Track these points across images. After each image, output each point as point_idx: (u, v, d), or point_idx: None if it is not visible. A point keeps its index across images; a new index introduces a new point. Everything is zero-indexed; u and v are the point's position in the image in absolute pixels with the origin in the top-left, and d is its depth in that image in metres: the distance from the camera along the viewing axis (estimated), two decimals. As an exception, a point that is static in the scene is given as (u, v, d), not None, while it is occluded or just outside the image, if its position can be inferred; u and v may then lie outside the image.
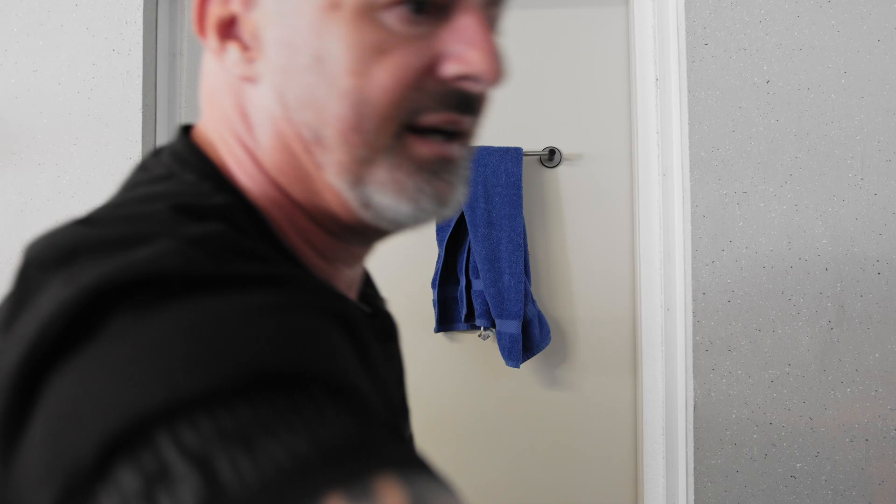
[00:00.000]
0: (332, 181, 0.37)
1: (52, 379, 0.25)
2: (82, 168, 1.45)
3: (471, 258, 1.51)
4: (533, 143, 1.59)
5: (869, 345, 1.29)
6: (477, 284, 1.51)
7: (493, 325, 1.50)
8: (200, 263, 0.28)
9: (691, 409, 1.32)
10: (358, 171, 0.37)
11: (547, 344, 1.51)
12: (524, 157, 1.54)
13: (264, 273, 0.30)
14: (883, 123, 1.29)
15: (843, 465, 1.29)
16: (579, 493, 1.58)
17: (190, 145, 0.40)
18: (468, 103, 0.38)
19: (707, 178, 1.33)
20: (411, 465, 0.24)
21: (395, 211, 0.37)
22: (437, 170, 0.38)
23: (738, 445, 1.31)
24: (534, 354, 1.50)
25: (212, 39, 0.38)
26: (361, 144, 0.36)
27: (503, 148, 1.52)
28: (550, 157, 1.58)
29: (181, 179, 0.37)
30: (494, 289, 1.47)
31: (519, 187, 1.50)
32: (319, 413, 0.24)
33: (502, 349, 1.48)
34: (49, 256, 0.29)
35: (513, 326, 1.46)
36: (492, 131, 1.60)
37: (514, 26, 1.62)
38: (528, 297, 1.48)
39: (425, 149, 0.38)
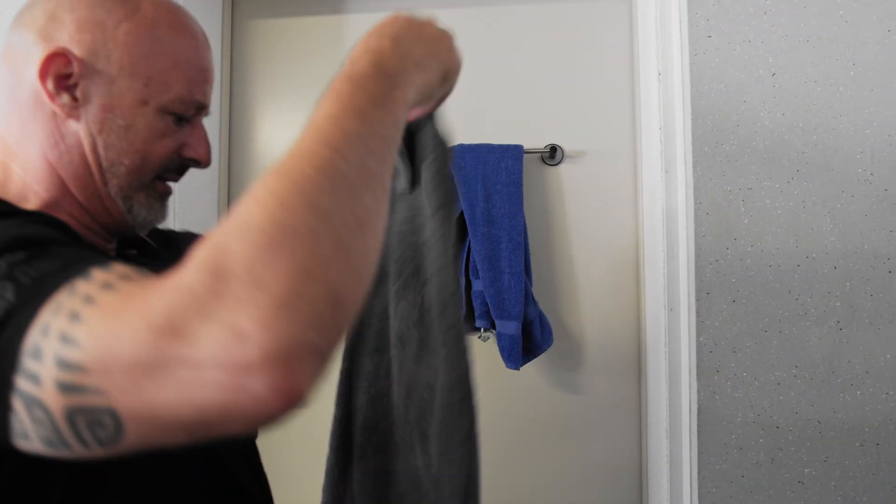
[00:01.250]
0: (113, 193, 0.65)
1: None
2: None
3: (471, 258, 1.49)
4: (534, 141, 1.56)
5: (879, 346, 1.25)
6: (477, 285, 1.48)
7: (494, 327, 1.47)
8: None
9: (695, 412, 1.28)
10: (129, 193, 0.66)
11: (549, 346, 1.47)
12: (525, 155, 1.51)
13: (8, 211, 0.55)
14: (893, 117, 1.25)
15: (853, 471, 1.25)
16: (582, 500, 1.54)
17: None
18: (185, 170, 0.71)
19: (711, 174, 1.29)
20: (108, 261, 0.43)
21: (144, 217, 0.68)
22: (164, 199, 0.71)
23: (743, 450, 1.27)
24: (535, 357, 1.47)
25: (50, 85, 0.59)
26: (136, 180, 0.65)
27: (503, 145, 1.49)
28: (552, 154, 1.55)
29: None
30: (494, 289, 1.44)
31: (519, 185, 1.47)
32: (50, 253, 0.45)
33: (502, 351, 1.45)
34: None
35: (513, 328, 1.43)
36: (492, 128, 1.57)
37: (514, 21, 1.59)
38: (528, 298, 1.45)
39: (162, 189, 0.70)
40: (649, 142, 1.42)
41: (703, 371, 1.28)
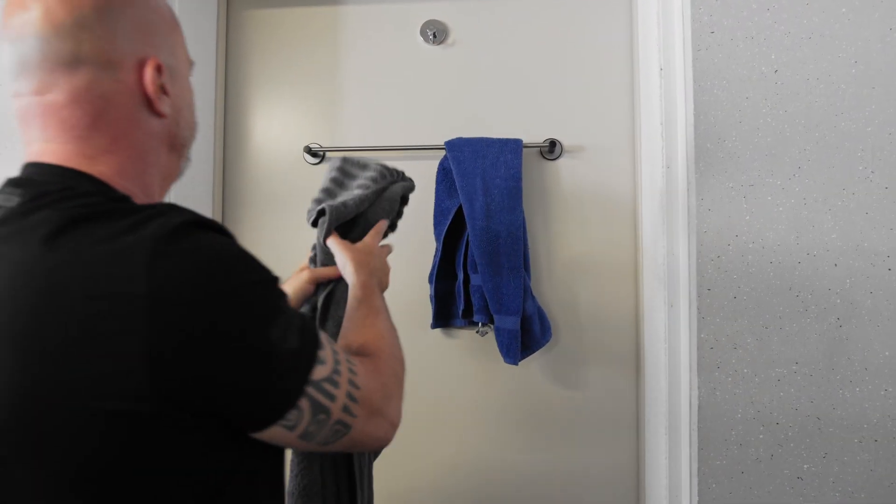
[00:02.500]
0: (181, 162, 0.74)
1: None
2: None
3: (469, 252, 1.47)
4: (533, 135, 1.55)
5: (879, 342, 1.25)
6: (475, 279, 1.47)
7: (492, 321, 1.46)
8: (201, 220, 0.59)
9: (695, 408, 1.28)
10: (186, 155, 0.75)
11: (547, 341, 1.47)
12: (524, 149, 1.50)
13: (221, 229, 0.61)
14: (894, 115, 1.26)
15: (851, 467, 1.26)
16: (580, 495, 1.54)
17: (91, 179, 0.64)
18: None
19: (713, 170, 1.29)
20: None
21: (184, 169, 0.76)
22: None
23: (743, 446, 1.27)
24: (533, 352, 1.46)
25: (157, 93, 0.64)
26: (190, 145, 0.75)
27: (502, 139, 1.48)
28: (551, 148, 1.54)
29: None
30: (492, 283, 1.43)
31: (518, 180, 1.46)
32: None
33: (500, 346, 1.44)
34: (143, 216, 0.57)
35: (511, 322, 1.42)
36: (491, 122, 1.56)
37: (514, 14, 1.58)
38: (527, 293, 1.44)
39: None
40: (650, 137, 1.42)
41: (704, 367, 1.28)
